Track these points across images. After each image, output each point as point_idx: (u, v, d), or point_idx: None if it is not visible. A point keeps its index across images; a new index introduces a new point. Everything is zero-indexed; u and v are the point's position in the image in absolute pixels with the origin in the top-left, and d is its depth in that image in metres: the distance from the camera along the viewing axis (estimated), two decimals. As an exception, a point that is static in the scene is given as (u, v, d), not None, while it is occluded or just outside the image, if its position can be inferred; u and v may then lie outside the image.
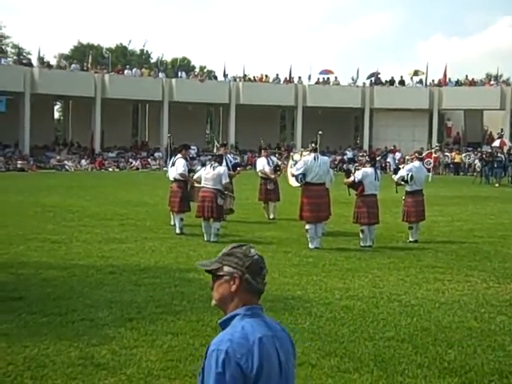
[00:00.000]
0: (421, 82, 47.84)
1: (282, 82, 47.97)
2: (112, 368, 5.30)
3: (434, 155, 34.85)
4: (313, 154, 11.67)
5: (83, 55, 55.90)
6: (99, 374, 5.18)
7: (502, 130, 44.85)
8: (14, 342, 5.89)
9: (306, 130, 43.38)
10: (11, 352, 5.63)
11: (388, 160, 42.77)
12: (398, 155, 43.22)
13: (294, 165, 12.22)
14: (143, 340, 6.02)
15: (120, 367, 5.32)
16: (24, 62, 45.08)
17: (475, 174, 35.88)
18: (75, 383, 4.99)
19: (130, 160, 43.58)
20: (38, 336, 6.06)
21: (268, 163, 15.83)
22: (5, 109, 40.01)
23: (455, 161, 42.89)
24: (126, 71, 46.00)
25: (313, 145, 11.83)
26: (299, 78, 48.21)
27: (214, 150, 15.83)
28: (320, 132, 12.09)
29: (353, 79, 48.48)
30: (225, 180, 12.18)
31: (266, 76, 48.73)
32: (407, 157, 17.06)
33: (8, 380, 5.04)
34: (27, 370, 5.24)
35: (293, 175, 11.92)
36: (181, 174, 13.27)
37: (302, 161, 11.82)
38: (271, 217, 15.59)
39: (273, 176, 15.61)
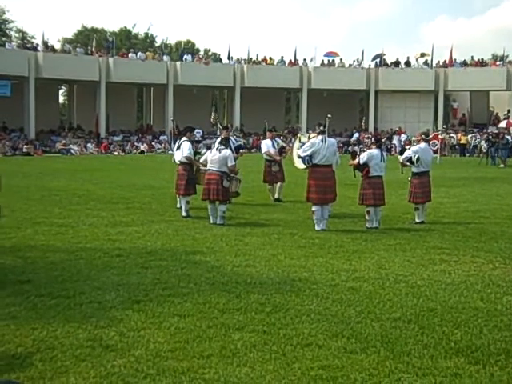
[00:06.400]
0: (426, 63, 47.57)
1: (286, 65, 47.77)
2: (120, 349, 5.34)
3: (439, 137, 34.77)
4: (320, 136, 11.64)
5: (87, 39, 55.79)
6: (108, 355, 5.22)
7: (508, 110, 44.62)
8: (22, 324, 5.92)
9: (311, 112, 43.33)
10: (20, 334, 5.66)
11: (393, 142, 42.71)
12: (403, 137, 43.16)
13: (301, 146, 12.18)
14: (151, 322, 6.05)
15: (128, 349, 5.36)
16: (28, 46, 45.05)
17: (481, 155, 35.75)
18: (84, 365, 5.03)
19: (136, 144, 43.59)
20: (47, 318, 6.10)
21: (273, 145, 15.81)
22: (10, 93, 40.01)
23: (461, 142, 42.74)
24: (130, 55, 45.90)
25: (321, 128, 11.78)
26: (304, 60, 48.02)
27: (218, 133, 15.82)
28: (329, 115, 12.02)
29: (358, 61, 48.20)
30: (230, 163, 12.17)
31: (271, 58, 48.55)
32: (413, 138, 17.04)
33: (17, 362, 5.08)
34: (36, 352, 5.28)
35: (299, 157, 11.88)
36: (186, 157, 13.27)
37: (309, 142, 11.78)
38: (276, 196, 15.56)
39: (278, 158, 15.60)
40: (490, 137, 35.07)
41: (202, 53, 62.96)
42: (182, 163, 13.46)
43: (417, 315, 6.36)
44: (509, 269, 8.57)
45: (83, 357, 5.18)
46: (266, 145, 15.93)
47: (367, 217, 11.90)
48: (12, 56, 39.82)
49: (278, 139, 16.60)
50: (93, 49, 45.50)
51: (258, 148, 31.51)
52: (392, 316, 6.32)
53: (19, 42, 49.84)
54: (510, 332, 5.89)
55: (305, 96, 47.08)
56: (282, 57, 48.38)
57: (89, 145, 41.83)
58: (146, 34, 68.25)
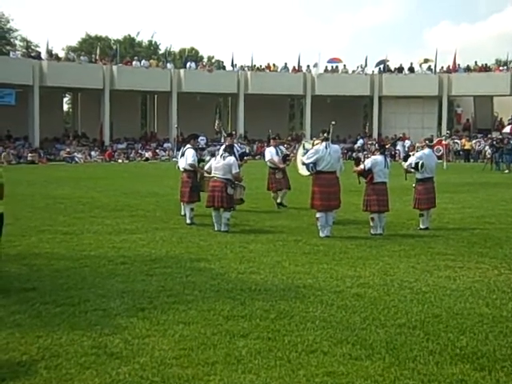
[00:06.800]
0: (430, 68, 47.60)
1: (290, 71, 47.85)
2: (125, 357, 5.33)
3: (443, 142, 34.74)
4: (324, 143, 11.65)
5: (91, 47, 56.01)
6: (112, 363, 5.21)
7: (512, 115, 44.59)
8: (27, 332, 5.93)
9: (315, 118, 43.38)
10: (25, 342, 5.66)
11: (397, 148, 42.68)
12: (407, 143, 43.14)
13: (305, 153, 12.19)
14: (155, 329, 6.05)
15: (133, 356, 5.35)
16: (32, 54, 45.24)
17: (485, 160, 35.71)
18: (89, 372, 5.02)
19: (140, 151, 43.69)
20: (51, 326, 6.10)
21: (277, 152, 15.83)
22: (14, 102, 40.18)
23: (465, 148, 42.73)
24: (134, 62, 46.06)
25: (325, 134, 11.79)
26: (307, 66, 48.10)
27: (222, 140, 15.88)
28: (333, 122, 12.02)
29: (361, 67, 48.25)
30: (235, 170, 12.18)
31: (275, 65, 48.65)
32: (417, 144, 17.03)
33: (22, 370, 5.08)
34: (41, 359, 5.28)
35: (303, 164, 11.89)
36: (190, 165, 13.29)
37: (313, 149, 11.79)
38: (278, 201, 15.56)
39: (282, 165, 15.62)
40: (495, 142, 35.04)
41: (205, 60, 63.12)
42: (186, 170, 13.47)
43: (422, 321, 6.34)
44: (514, 274, 8.54)
45: (88, 364, 5.18)
46: (270, 152, 15.95)
47: (371, 223, 11.88)
48: (16, 65, 40.01)
49: (281, 147, 16.62)
50: (97, 57, 45.69)
51: (262, 155, 31.53)
52: (397, 322, 6.30)
53: (23, 50, 50.05)
54: (516, 338, 5.87)
55: (308, 102, 47.16)
56: (286, 63, 48.53)
57: (93, 153, 41.94)
58: (150, 41, 68.51)
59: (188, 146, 13.70)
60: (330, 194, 11.57)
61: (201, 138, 37.34)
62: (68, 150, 41.08)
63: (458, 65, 47.48)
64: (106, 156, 41.54)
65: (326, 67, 48.45)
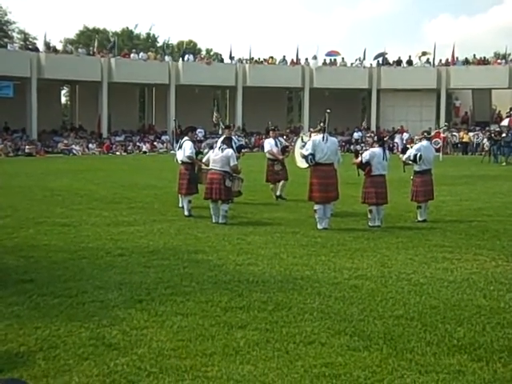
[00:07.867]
0: (428, 61, 47.55)
1: (288, 64, 47.77)
2: (123, 348, 5.34)
3: (442, 135, 34.74)
4: (321, 135, 11.64)
5: (89, 40, 55.83)
6: (110, 354, 5.22)
7: (510, 108, 44.54)
8: (25, 323, 5.93)
9: (313, 111, 43.31)
10: (23, 333, 5.67)
11: (396, 140, 42.67)
12: (405, 135, 43.13)
13: (304, 146, 12.18)
14: (153, 321, 6.05)
15: (131, 347, 5.36)
16: (30, 47, 45.12)
17: (483, 153, 35.71)
18: (87, 363, 5.03)
19: (138, 144, 43.62)
20: (49, 317, 6.10)
21: (276, 144, 15.82)
22: (12, 94, 40.10)
23: (463, 140, 42.76)
24: (132, 55, 45.92)
25: (321, 124, 11.79)
26: (306, 59, 48.05)
27: (220, 132, 15.88)
28: (328, 110, 11.97)
29: (360, 60, 48.16)
30: (233, 162, 12.17)
31: (273, 58, 48.55)
32: (416, 137, 17.04)
33: (20, 361, 5.08)
34: (39, 350, 5.28)
35: (303, 156, 11.88)
36: (188, 157, 13.28)
37: (310, 141, 11.79)
38: (278, 193, 15.57)
39: (281, 157, 15.62)
40: (493, 135, 35.04)
41: (203, 52, 62.99)
42: (183, 163, 13.46)
43: (419, 313, 6.35)
44: (511, 266, 8.55)
45: (86, 355, 5.18)
46: (269, 144, 15.94)
47: (369, 215, 11.89)
48: (14, 57, 39.88)
49: (280, 138, 16.62)
50: (95, 49, 45.54)
51: (261, 147, 31.53)
52: (395, 314, 6.31)
53: (21, 43, 49.93)
54: (513, 329, 5.88)
55: (307, 95, 47.10)
56: (284, 56, 48.45)
57: (91, 145, 41.87)
58: (148, 34, 68.36)
59: (186, 138, 13.69)
60: (328, 186, 11.56)
61: (199, 130, 37.24)
62: (66, 142, 41.01)
63: (457, 58, 47.42)
64: (103, 148, 41.48)
65: (325, 60, 48.38)
